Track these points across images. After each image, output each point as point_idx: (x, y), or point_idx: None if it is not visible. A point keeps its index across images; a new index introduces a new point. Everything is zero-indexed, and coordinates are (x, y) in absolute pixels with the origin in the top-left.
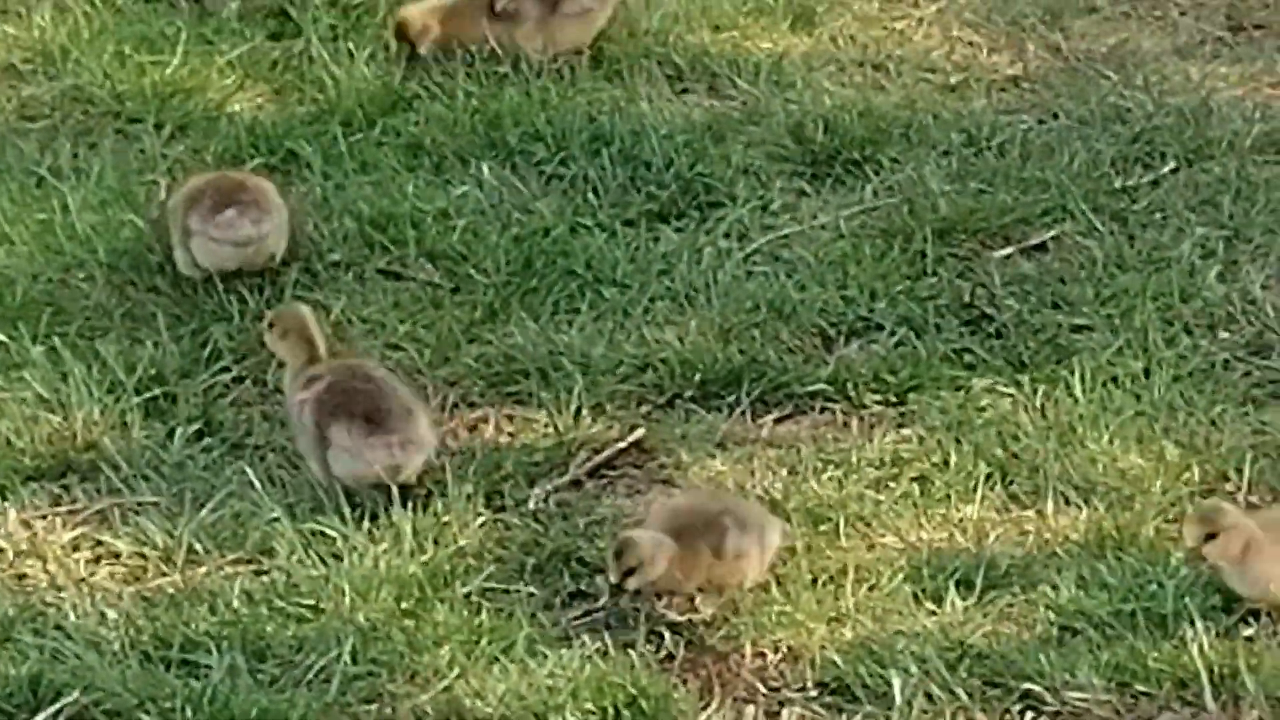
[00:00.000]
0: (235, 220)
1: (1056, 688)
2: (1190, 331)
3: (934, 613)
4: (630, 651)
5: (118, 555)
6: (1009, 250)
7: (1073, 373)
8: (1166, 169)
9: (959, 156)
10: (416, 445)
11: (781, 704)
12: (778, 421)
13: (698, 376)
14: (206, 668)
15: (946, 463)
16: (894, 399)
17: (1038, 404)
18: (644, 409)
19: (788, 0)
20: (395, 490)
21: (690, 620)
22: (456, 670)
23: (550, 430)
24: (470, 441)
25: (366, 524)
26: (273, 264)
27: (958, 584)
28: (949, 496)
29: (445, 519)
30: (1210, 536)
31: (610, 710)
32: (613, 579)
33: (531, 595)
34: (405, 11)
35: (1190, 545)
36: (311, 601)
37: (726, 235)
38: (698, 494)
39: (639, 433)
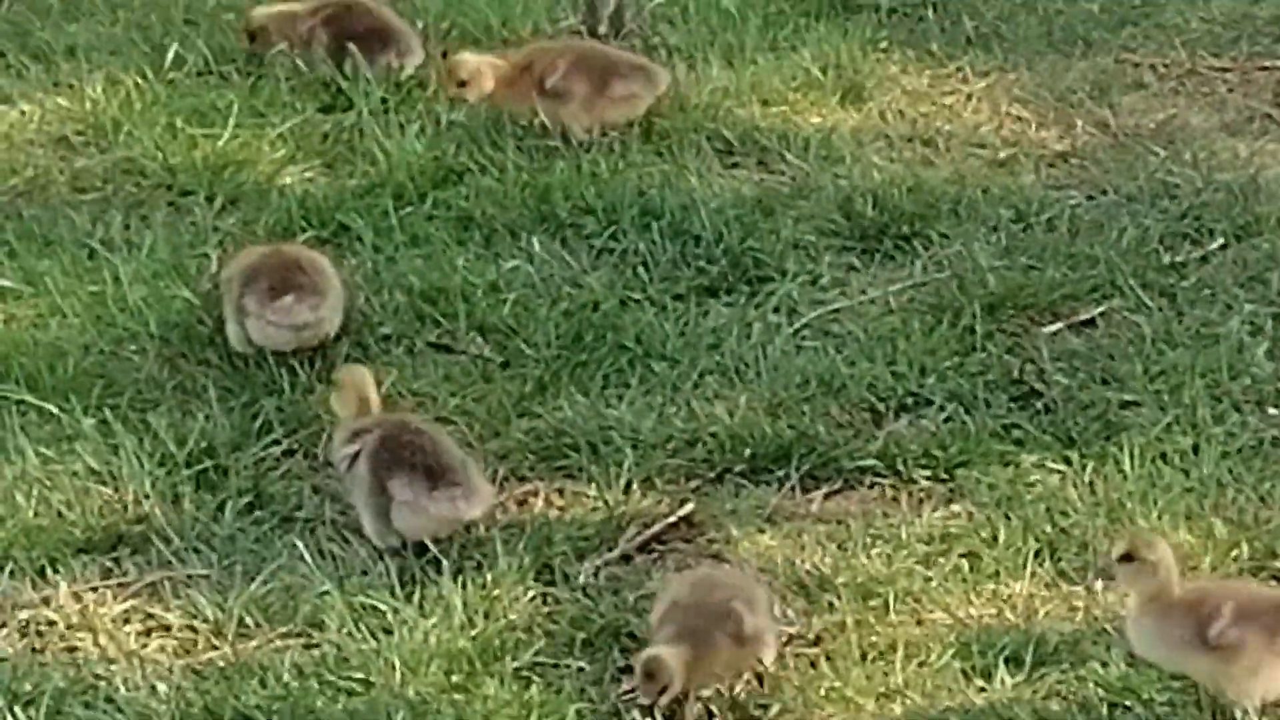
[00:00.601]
0: (294, 307)
1: None
2: (1239, 408)
3: (983, 689)
4: None
5: (168, 628)
6: (1058, 326)
7: (1121, 449)
8: (1215, 245)
9: (1008, 232)
10: (479, 497)
11: None
12: (827, 497)
13: (747, 451)
14: None
15: (995, 538)
16: (943, 474)
17: (1087, 480)
18: (693, 483)
19: (837, 75)
20: (446, 563)
21: (739, 695)
22: None
23: (600, 504)
24: (520, 515)
25: (417, 597)
26: (327, 342)
27: (1007, 660)
28: (998, 572)
29: (495, 593)
30: (1127, 558)
31: None
32: (646, 700)
33: (581, 670)
34: (461, 56)
35: (1112, 555)
36: (361, 675)
37: (776, 310)
38: (698, 582)
39: (688, 507)
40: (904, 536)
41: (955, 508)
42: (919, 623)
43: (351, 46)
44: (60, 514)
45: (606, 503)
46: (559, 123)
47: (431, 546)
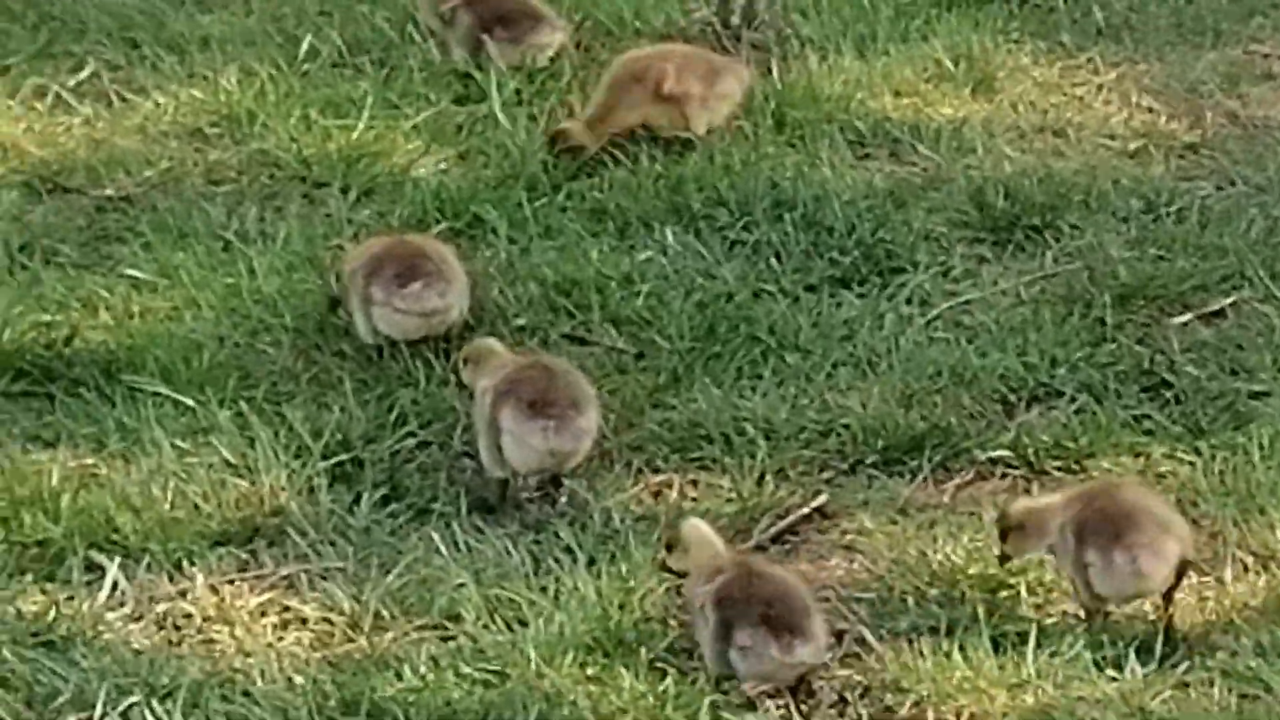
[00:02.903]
0: (422, 293)
1: None
2: None
3: (1114, 679)
4: (814, 717)
5: (305, 621)
6: (1188, 317)
7: (1251, 439)
8: None
9: (1138, 223)
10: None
11: None
12: (959, 488)
13: (880, 442)
14: None
15: None
16: (1074, 465)
17: (1216, 470)
18: (826, 474)
19: (968, 66)
20: (580, 555)
21: (873, 685)
22: None
23: (734, 495)
24: (654, 506)
25: (552, 589)
26: (455, 330)
27: (1138, 651)
28: None
29: (629, 584)
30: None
31: None
32: None
33: None
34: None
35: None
36: (497, 667)
37: (908, 301)
38: None
39: (822, 498)
40: None
41: None
42: (1050, 614)
43: (488, 39)
44: (196, 507)
45: (740, 494)
46: (679, 126)
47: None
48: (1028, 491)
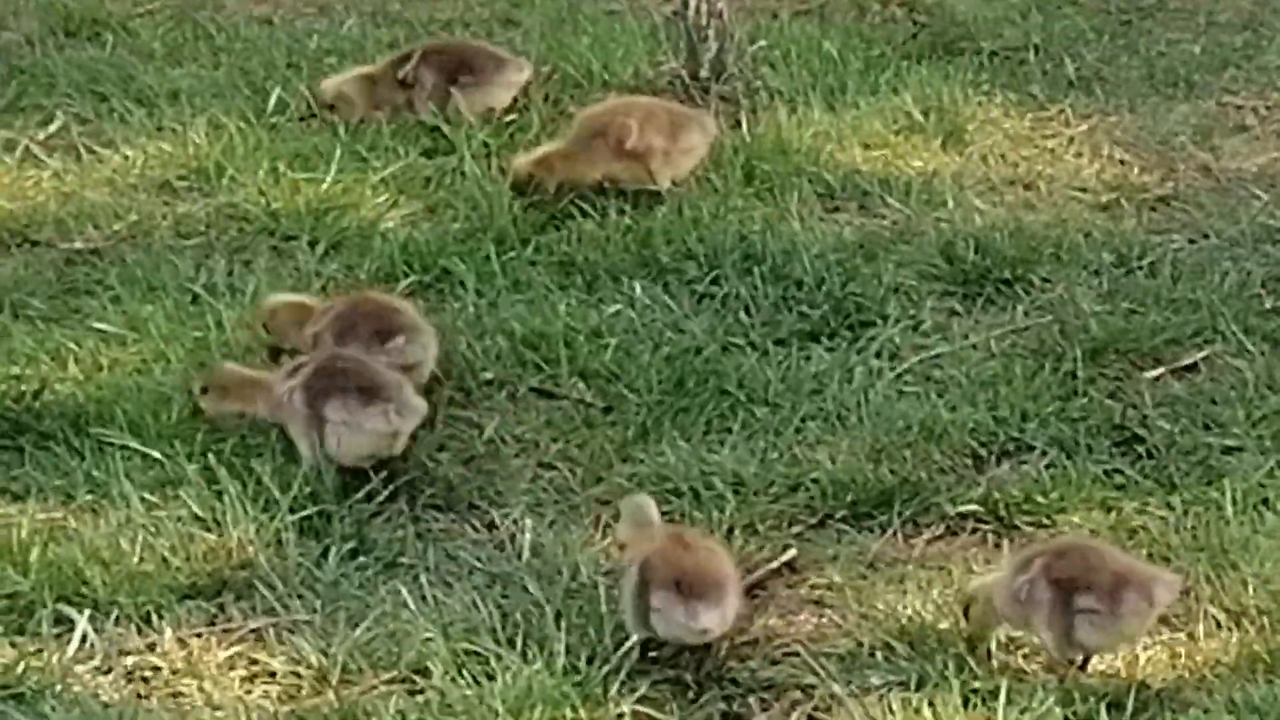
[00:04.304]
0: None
1: None
2: None
3: None
4: None
5: (273, 674)
6: (1160, 371)
7: (1223, 494)
8: None
9: (1109, 276)
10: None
11: None
12: (929, 542)
13: (849, 496)
14: None
15: None
16: (1045, 520)
17: (1189, 525)
18: (795, 529)
19: (938, 118)
20: (549, 608)
21: None
22: None
23: None
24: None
25: (520, 642)
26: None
27: (1109, 707)
28: None
29: (599, 638)
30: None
31: None
32: None
33: (684, 716)
34: (516, 162)
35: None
36: None
37: (878, 355)
38: None
39: (790, 553)
40: None
41: None
42: (1021, 668)
43: (455, 90)
44: (165, 560)
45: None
46: (643, 180)
47: None
48: (998, 547)
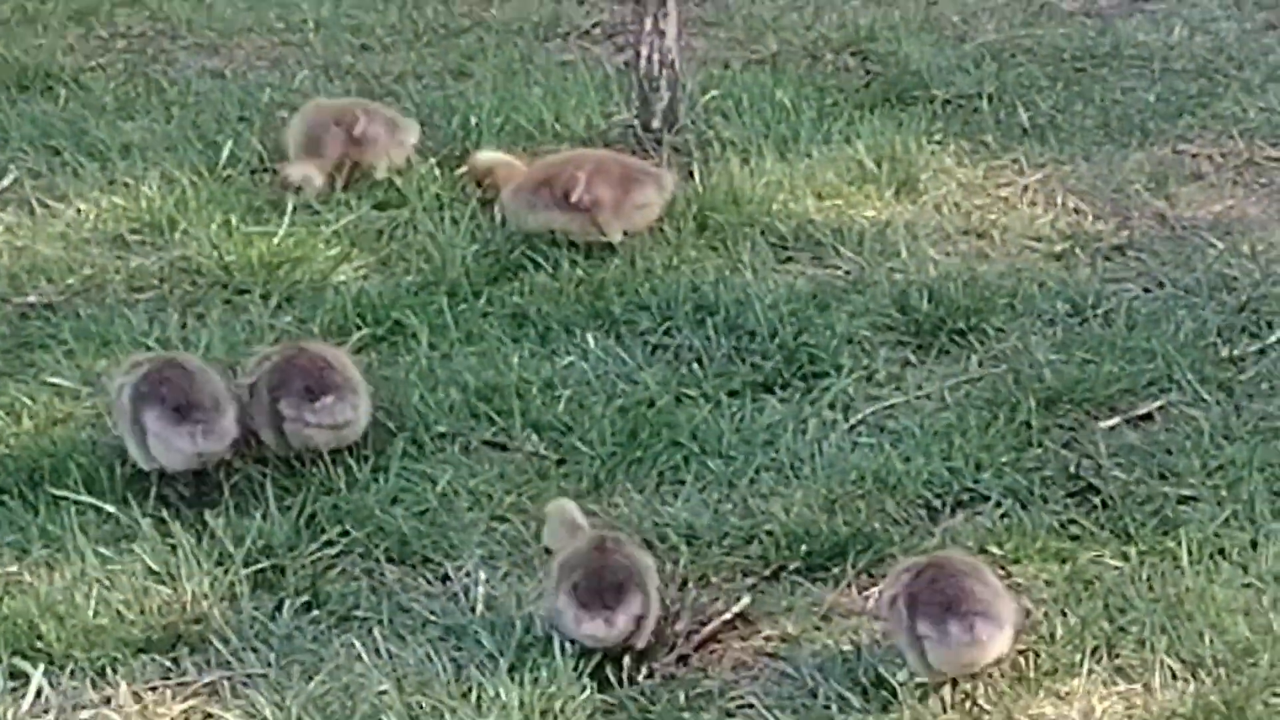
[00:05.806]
0: (335, 406)
1: None
2: None
3: None
4: None
5: None
6: (1115, 421)
7: (1179, 544)
8: (1274, 338)
9: (1064, 326)
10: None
11: None
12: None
13: (803, 548)
14: None
15: (1052, 635)
16: (1000, 571)
17: (1144, 576)
18: (749, 580)
19: (891, 168)
20: (503, 662)
21: None
22: None
23: None
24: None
25: (474, 696)
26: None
27: None
28: (1055, 669)
29: (552, 691)
30: None
31: None
32: None
33: None
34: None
35: None
36: None
37: (831, 406)
38: None
39: (744, 603)
40: None
41: None
42: (980, 713)
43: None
44: (119, 614)
45: (662, 600)
46: (591, 233)
47: None
48: None
